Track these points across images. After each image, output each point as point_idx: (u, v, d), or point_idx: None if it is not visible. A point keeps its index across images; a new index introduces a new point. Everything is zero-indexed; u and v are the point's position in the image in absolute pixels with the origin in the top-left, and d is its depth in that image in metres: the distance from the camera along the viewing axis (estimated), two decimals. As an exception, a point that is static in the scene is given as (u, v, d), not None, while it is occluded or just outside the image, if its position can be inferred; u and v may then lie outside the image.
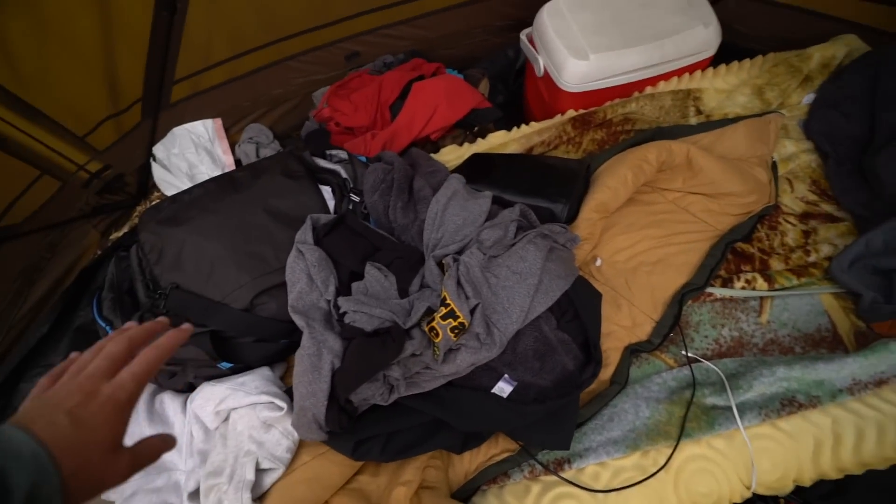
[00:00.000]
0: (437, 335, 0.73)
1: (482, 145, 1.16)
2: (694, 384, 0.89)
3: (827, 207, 1.04)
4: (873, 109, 1.00)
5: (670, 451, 0.83)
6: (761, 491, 0.84)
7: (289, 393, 0.84)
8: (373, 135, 1.16)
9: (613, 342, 0.94)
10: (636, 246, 1.01)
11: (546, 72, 1.20)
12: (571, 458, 0.85)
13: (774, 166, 1.08)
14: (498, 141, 1.16)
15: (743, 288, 0.98)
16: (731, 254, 1.02)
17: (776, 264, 1.00)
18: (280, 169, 0.91)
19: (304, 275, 0.79)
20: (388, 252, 0.85)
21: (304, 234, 0.81)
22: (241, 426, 0.77)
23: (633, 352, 0.93)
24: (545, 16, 1.18)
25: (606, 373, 0.91)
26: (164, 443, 0.39)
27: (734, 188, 1.01)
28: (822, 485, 0.97)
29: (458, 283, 0.75)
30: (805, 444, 0.83)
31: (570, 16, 1.15)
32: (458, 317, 0.72)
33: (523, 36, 1.28)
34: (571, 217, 0.94)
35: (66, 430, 0.31)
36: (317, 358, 0.70)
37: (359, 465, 0.83)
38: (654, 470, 0.83)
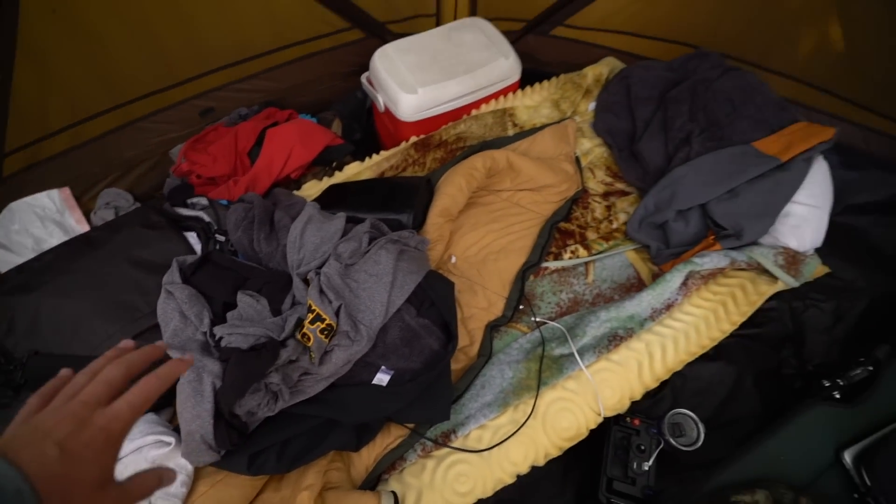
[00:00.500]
0: (308, 340, 0.82)
1: (340, 177, 1.29)
2: (543, 342, 1.07)
3: (619, 185, 1.34)
4: (631, 109, 1.32)
5: (534, 401, 1.00)
6: (608, 413, 1.04)
7: (177, 430, 0.85)
8: (235, 181, 1.22)
9: (475, 323, 1.10)
10: (482, 240, 1.20)
11: (386, 107, 1.38)
12: (456, 428, 0.98)
13: (578, 160, 1.36)
14: (353, 171, 1.30)
15: (570, 258, 1.21)
16: (557, 233, 1.25)
17: (591, 235, 1.25)
18: (139, 222, 0.95)
19: (177, 313, 0.83)
20: (258, 279, 0.92)
21: (171, 275, 0.85)
22: (128, 474, 0.78)
23: (492, 327, 1.09)
24: (377, 60, 1.36)
25: (473, 349, 1.07)
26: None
27: (549, 181, 1.26)
28: (663, 402, 1.21)
29: (321, 291, 0.85)
30: (631, 368, 1.05)
31: (397, 58, 1.35)
32: (325, 319, 0.82)
33: (363, 79, 1.45)
34: (420, 224, 1.10)
35: (53, 463, 0.30)
36: (197, 382, 0.75)
37: (260, 484, 0.87)
38: (524, 419, 0.99)
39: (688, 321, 1.09)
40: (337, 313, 0.85)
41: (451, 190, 1.14)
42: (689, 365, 1.21)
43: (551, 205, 1.27)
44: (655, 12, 1.48)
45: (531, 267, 1.16)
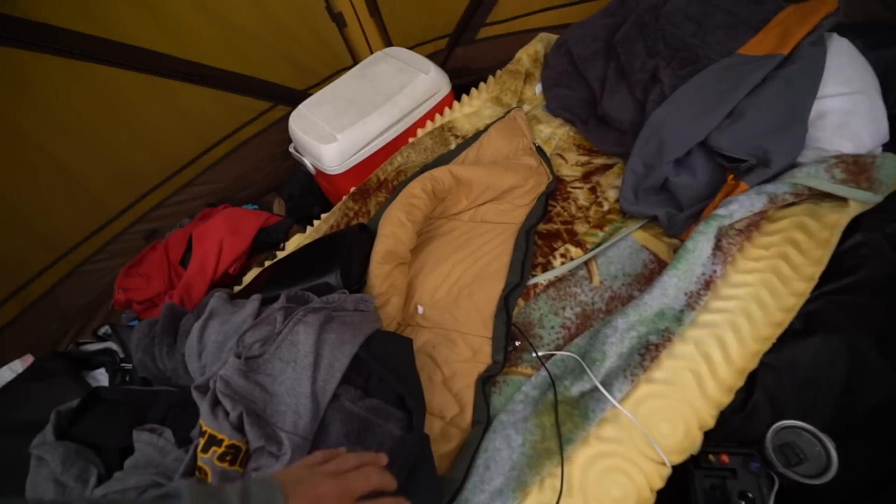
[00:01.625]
0: (205, 475, 0.59)
1: (282, 255, 1.13)
2: (553, 382, 0.79)
3: (599, 160, 1.09)
4: (581, 73, 1.11)
5: (561, 469, 0.71)
6: (675, 458, 0.72)
7: None
8: (170, 295, 1.09)
9: (462, 381, 0.83)
10: (450, 276, 0.97)
11: (315, 168, 1.23)
12: (462, 536, 0.69)
13: (540, 149, 1.13)
14: (294, 244, 1.13)
15: (562, 263, 0.95)
16: (539, 239, 1.00)
17: (580, 228, 0.99)
18: (28, 375, 0.80)
19: (51, 482, 0.65)
20: (161, 406, 0.73)
21: (43, 435, 0.68)
22: None
23: (484, 381, 0.82)
24: (292, 123, 1.25)
25: (466, 417, 0.80)
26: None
27: (509, 182, 1.03)
28: (758, 415, 0.85)
29: (215, 404, 0.64)
30: (685, 383, 0.75)
31: (310, 114, 1.23)
32: (222, 440, 0.60)
33: (291, 149, 1.34)
34: (358, 279, 0.89)
35: None
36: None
37: None
38: (556, 498, 0.69)
39: (743, 295, 0.78)
40: (240, 427, 0.62)
41: (390, 229, 0.93)
42: (776, 353, 0.86)
43: (522, 209, 1.03)
44: (576, -28, 1.31)
45: (514, 289, 0.91)
